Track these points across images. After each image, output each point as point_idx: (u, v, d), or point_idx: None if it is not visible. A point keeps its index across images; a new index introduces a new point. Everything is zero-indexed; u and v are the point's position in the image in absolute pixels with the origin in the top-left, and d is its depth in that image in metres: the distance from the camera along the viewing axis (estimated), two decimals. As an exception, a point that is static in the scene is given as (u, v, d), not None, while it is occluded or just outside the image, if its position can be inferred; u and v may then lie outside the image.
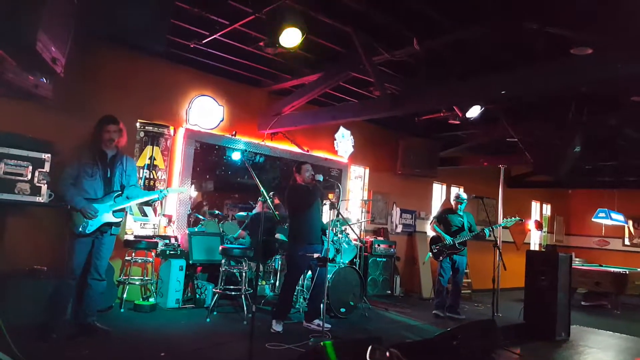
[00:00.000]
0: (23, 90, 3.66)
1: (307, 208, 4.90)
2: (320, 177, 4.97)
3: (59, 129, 4.63)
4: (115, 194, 4.02)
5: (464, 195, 6.58)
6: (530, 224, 11.83)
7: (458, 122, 6.99)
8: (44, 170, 3.78)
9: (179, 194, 5.97)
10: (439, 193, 10.02)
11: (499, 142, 8.11)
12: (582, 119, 6.42)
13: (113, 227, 4.04)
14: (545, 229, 12.78)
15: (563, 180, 9.58)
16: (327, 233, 4.96)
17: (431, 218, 7.33)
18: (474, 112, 6.37)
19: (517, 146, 7.68)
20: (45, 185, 3.75)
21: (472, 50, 5.11)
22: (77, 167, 3.85)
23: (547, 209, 12.95)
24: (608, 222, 10.46)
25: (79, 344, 3.69)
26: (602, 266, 9.41)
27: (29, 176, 3.68)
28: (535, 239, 12.49)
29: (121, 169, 4.07)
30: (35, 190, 3.72)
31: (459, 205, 6.50)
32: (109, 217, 3.96)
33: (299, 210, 4.92)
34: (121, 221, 4.11)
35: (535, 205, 12.54)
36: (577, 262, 9.96)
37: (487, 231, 6.22)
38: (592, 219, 10.51)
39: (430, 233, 6.92)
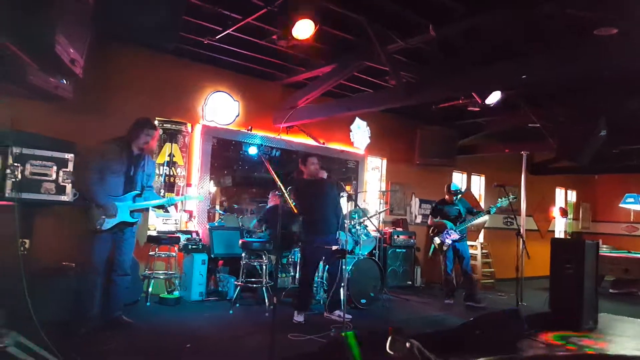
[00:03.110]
0: (44, 92, 3.77)
1: (312, 201, 4.93)
2: (325, 174, 5.02)
3: (80, 129, 4.77)
4: (135, 194, 4.10)
5: (458, 185, 6.62)
6: (555, 211, 11.62)
7: (477, 109, 6.92)
8: (68, 169, 3.91)
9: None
10: (459, 182, 9.91)
11: (521, 128, 7.97)
12: (607, 102, 6.27)
13: (133, 226, 4.13)
14: (570, 216, 12.53)
15: (588, 166, 9.38)
16: (341, 224, 5.01)
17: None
18: (494, 98, 6.29)
19: (540, 132, 7.55)
20: (70, 184, 3.89)
21: (490, 35, 5.04)
22: (100, 163, 3.93)
23: (572, 196, 12.68)
24: (637, 207, 10.21)
25: (107, 337, 3.80)
26: (630, 252, 9.20)
27: (54, 176, 3.82)
28: (561, 227, 12.27)
29: (143, 169, 4.17)
30: (60, 190, 3.86)
31: (453, 197, 6.51)
32: (126, 217, 4.04)
33: (304, 204, 4.96)
34: (138, 222, 4.19)
35: (559, 192, 12.30)
36: (604, 248, 9.73)
37: (492, 209, 6.26)
38: (620, 205, 10.27)
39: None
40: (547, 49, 4.69)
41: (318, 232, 4.91)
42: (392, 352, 3.25)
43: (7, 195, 3.58)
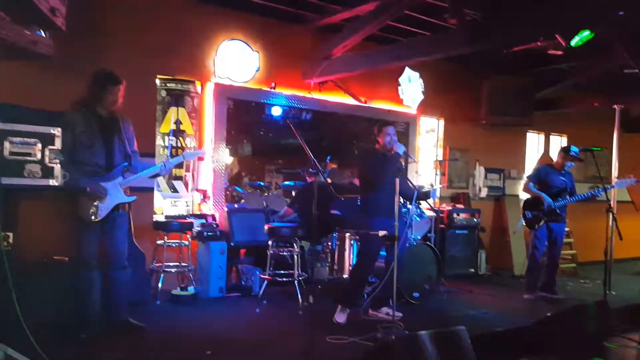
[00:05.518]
0: (19, 49, 3.70)
1: (384, 179, 4.86)
2: (402, 149, 4.95)
3: (67, 95, 4.70)
4: (123, 167, 4.07)
5: (577, 149, 6.21)
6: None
7: (560, 53, 6.52)
8: (55, 147, 3.85)
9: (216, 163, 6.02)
10: (535, 145, 9.68)
11: (614, 75, 7.62)
12: None
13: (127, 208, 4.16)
14: (675, 184, 11.95)
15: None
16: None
17: (524, 178, 7.02)
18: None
19: (638, 79, 7.10)
20: (58, 165, 3.84)
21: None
22: (71, 137, 3.88)
23: (678, 158, 12.11)
24: None
25: (111, 344, 3.85)
26: None
27: (39, 155, 3.77)
28: (662, 197, 11.75)
29: (120, 133, 4.09)
30: (47, 172, 3.80)
31: (566, 163, 6.20)
32: (121, 197, 4.04)
33: (376, 180, 4.89)
34: (134, 199, 4.21)
35: (662, 154, 11.77)
36: None
37: (599, 192, 5.93)
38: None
39: (524, 196, 6.70)
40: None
41: (382, 213, 4.82)
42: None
43: (-17, 181, 3.57)
